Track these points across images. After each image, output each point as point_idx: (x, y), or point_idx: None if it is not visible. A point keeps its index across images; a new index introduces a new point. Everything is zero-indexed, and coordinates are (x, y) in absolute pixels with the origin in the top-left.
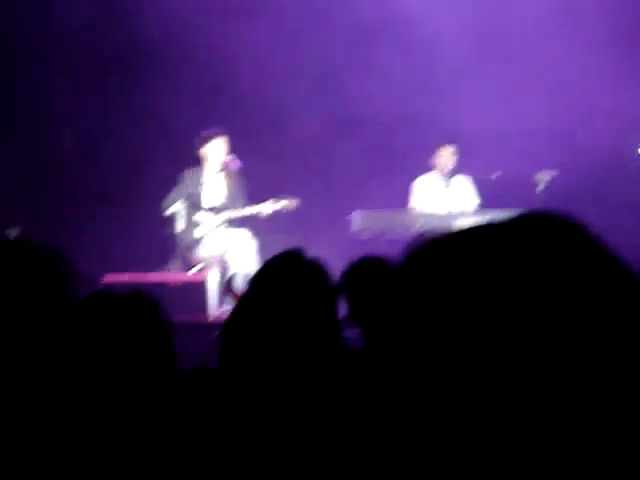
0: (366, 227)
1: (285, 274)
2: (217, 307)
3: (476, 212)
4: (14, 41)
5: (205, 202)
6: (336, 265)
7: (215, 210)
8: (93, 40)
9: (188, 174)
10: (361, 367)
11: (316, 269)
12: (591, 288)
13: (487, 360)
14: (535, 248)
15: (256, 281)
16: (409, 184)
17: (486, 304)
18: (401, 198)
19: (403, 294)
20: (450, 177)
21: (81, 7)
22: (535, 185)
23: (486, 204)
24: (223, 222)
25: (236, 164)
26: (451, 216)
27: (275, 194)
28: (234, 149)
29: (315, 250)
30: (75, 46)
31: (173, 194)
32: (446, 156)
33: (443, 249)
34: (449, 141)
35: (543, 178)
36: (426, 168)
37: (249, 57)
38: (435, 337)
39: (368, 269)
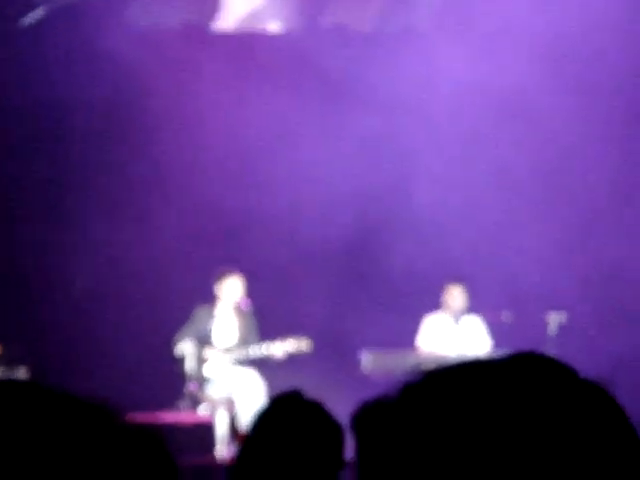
0: (377, 368)
1: (284, 417)
2: (225, 448)
3: (488, 354)
4: None
5: (215, 340)
6: (344, 405)
7: (225, 349)
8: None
9: (200, 310)
10: None
11: (317, 410)
12: (578, 426)
13: None
14: (524, 387)
15: (256, 424)
16: (418, 321)
17: (478, 444)
18: (409, 334)
19: (395, 430)
20: (460, 316)
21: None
22: (547, 325)
23: (496, 344)
24: (233, 361)
25: (248, 304)
26: (463, 358)
27: (285, 331)
28: (248, 288)
29: (323, 389)
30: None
31: (184, 330)
32: (454, 295)
33: (436, 386)
34: (457, 279)
35: (554, 319)
36: (436, 305)
37: (267, 200)
38: (426, 472)
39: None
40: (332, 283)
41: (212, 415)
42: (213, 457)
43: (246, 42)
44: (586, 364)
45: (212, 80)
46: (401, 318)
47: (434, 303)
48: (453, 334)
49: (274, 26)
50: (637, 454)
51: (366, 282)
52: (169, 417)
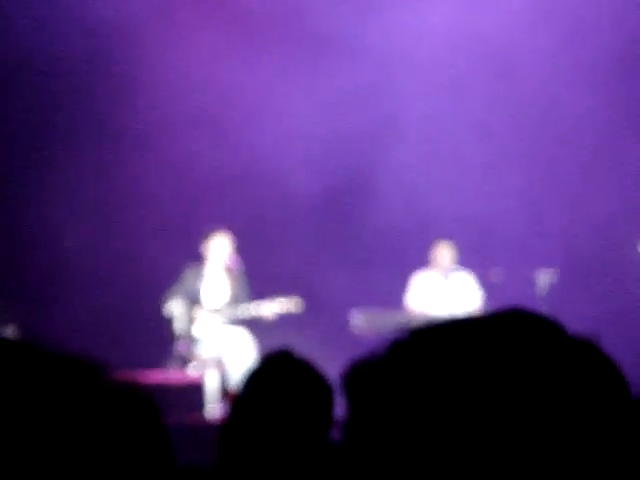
0: (367, 327)
1: (274, 376)
2: (215, 407)
3: (480, 309)
4: None
5: (205, 300)
6: (335, 364)
7: (215, 308)
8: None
9: (189, 270)
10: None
11: (306, 369)
12: (566, 381)
13: (467, 459)
14: (511, 344)
15: (246, 384)
16: (407, 278)
17: (465, 402)
18: (398, 292)
19: (383, 388)
20: (449, 273)
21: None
22: (535, 283)
23: (486, 302)
24: (223, 321)
25: (238, 263)
26: (452, 316)
27: (275, 290)
28: (240, 247)
29: (313, 348)
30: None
31: (173, 290)
32: (443, 252)
33: (424, 344)
34: (446, 236)
35: (544, 277)
36: (425, 263)
37: (252, 158)
38: (411, 431)
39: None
40: (320, 242)
41: (202, 375)
42: (203, 416)
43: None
44: (576, 320)
45: (199, 35)
46: (390, 276)
47: (423, 260)
48: (442, 291)
49: None
50: (628, 408)
51: (353, 241)
52: (159, 376)
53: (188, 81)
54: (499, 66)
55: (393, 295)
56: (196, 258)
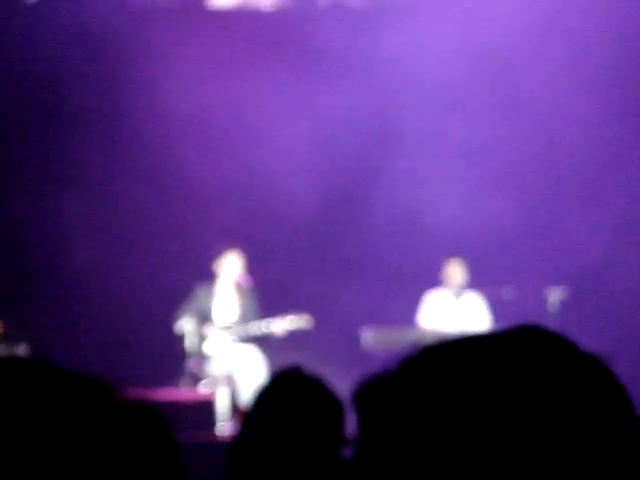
0: (377, 344)
1: (284, 393)
2: (226, 425)
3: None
4: None
5: (216, 317)
6: (346, 381)
7: (225, 326)
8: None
9: (200, 288)
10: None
11: (317, 386)
12: (576, 400)
13: (480, 476)
14: (523, 360)
15: (257, 401)
16: (418, 297)
17: (477, 418)
18: (410, 311)
19: (395, 405)
20: (461, 292)
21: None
22: (546, 301)
23: (497, 321)
24: (233, 338)
25: (248, 281)
26: (463, 333)
27: (286, 307)
28: (249, 264)
29: (323, 366)
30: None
31: (184, 308)
32: (454, 270)
33: (435, 360)
34: (456, 254)
35: (555, 295)
36: (436, 282)
37: (256, 172)
38: (422, 450)
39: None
40: (330, 258)
41: (213, 392)
42: (214, 434)
43: (239, 19)
44: (587, 339)
45: (204, 56)
46: (401, 293)
47: (434, 279)
48: (454, 310)
49: (267, 3)
50: (633, 429)
51: (363, 257)
52: (170, 394)
53: (186, 96)
54: (499, 79)
55: (404, 312)
56: (204, 273)
